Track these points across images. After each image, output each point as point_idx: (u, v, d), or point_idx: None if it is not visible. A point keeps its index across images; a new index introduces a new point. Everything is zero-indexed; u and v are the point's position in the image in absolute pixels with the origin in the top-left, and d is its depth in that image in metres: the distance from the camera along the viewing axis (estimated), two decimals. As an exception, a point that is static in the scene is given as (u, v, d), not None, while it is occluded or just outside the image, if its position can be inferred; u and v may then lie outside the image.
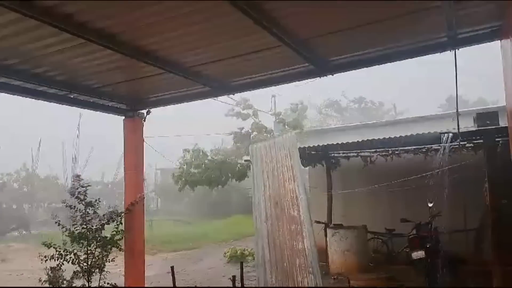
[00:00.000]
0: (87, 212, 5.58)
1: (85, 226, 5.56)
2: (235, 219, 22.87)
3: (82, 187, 5.68)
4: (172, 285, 5.03)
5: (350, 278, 6.57)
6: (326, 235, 8.45)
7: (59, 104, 5.07)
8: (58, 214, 5.98)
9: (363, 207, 9.58)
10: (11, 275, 13.35)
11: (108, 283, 5.61)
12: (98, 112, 5.75)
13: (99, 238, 5.57)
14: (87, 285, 5.62)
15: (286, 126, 13.96)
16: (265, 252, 5.86)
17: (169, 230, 22.71)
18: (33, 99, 4.77)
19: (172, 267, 5.04)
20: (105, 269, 5.70)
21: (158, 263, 11.82)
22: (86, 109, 5.55)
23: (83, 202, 5.60)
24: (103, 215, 5.73)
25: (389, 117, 25.13)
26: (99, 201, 5.73)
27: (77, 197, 5.60)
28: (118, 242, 5.72)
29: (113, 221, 5.81)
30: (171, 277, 5.04)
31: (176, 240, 19.74)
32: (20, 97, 4.54)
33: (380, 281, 7.09)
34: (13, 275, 13.53)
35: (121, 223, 5.86)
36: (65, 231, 5.65)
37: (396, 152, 8.35)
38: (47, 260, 5.49)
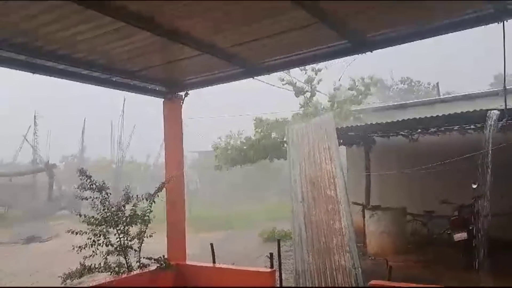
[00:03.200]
0: (104, 196, 5.93)
1: (107, 210, 5.92)
2: (271, 201, 23.07)
3: (88, 177, 6.00)
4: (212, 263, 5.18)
5: (388, 259, 6.52)
6: (363, 217, 8.39)
7: (102, 87, 5.26)
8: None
9: (401, 188, 9.41)
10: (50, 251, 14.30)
11: (145, 258, 5.97)
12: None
13: (124, 217, 5.94)
14: (124, 263, 5.98)
15: (335, 105, 13.84)
16: (301, 231, 5.92)
17: (207, 211, 23.31)
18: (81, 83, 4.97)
19: (211, 244, 5.19)
20: (144, 247, 6.06)
21: (197, 242, 12.17)
22: (128, 92, 5.71)
23: (96, 189, 5.96)
24: (123, 196, 6.16)
25: (433, 96, 24.28)
26: (106, 184, 6.08)
27: (89, 188, 5.95)
28: (146, 219, 6.02)
29: (147, 200, 6.14)
30: (211, 254, 5.19)
31: (213, 221, 20.26)
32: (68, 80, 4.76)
33: (420, 263, 6.99)
34: (62, 249, 14.69)
35: (154, 202, 6.23)
36: (90, 217, 6.10)
37: (440, 130, 8.09)
38: (80, 249, 5.91)
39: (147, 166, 42.53)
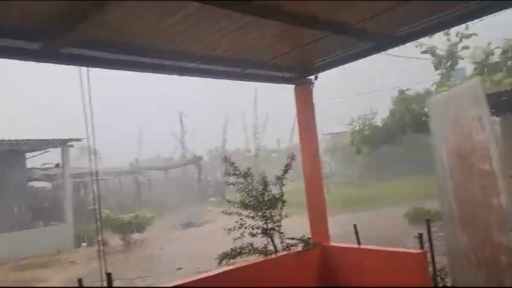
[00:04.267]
0: (248, 182, 6.38)
1: (252, 194, 6.34)
2: (411, 179, 21.77)
3: (231, 163, 6.56)
4: (357, 243, 5.14)
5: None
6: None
7: (236, 80, 5.59)
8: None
9: None
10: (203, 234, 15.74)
11: (290, 238, 6.23)
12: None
13: (266, 200, 6.29)
14: (270, 244, 6.34)
15: (485, 71, 12.49)
16: (452, 209, 5.46)
17: (343, 193, 23.09)
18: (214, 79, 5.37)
19: (355, 226, 5.14)
20: (284, 229, 6.38)
21: (338, 223, 12.17)
22: (259, 82, 5.96)
23: (241, 176, 6.45)
24: (260, 181, 6.49)
25: None
26: (250, 171, 6.57)
27: (234, 174, 6.47)
28: (281, 200, 6.29)
29: (277, 184, 6.46)
30: (354, 235, 5.15)
31: (351, 202, 20.00)
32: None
33: None
34: (214, 233, 16.11)
35: (284, 185, 6.46)
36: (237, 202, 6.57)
37: None
38: (230, 230, 6.43)
39: (280, 151, 43.94)
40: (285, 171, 6.52)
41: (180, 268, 12.21)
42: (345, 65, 5.45)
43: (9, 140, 16.98)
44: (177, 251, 14.95)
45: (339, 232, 9.87)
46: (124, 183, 28.87)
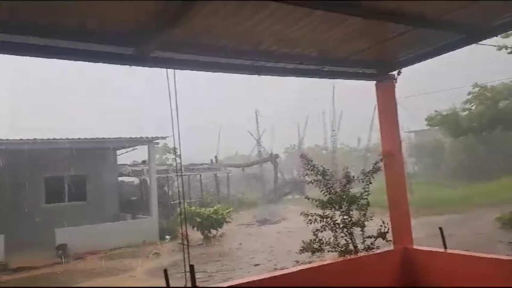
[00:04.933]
0: (326, 180, 6.46)
1: (332, 192, 6.40)
2: (505, 181, 19.99)
3: (309, 161, 6.69)
4: (443, 247, 4.87)
5: None
6: None
7: (315, 78, 5.56)
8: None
9: None
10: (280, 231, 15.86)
11: (370, 237, 6.12)
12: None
13: (346, 199, 6.24)
14: (349, 243, 6.26)
15: None
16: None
17: (428, 193, 21.87)
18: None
19: (440, 228, 4.87)
20: (367, 228, 6.27)
21: (422, 225, 11.60)
22: (338, 79, 5.89)
23: (319, 174, 6.55)
24: (342, 177, 6.46)
25: None
26: (327, 169, 6.74)
27: (312, 172, 6.58)
28: (364, 199, 6.32)
29: (362, 181, 6.52)
30: (441, 239, 4.89)
31: (437, 204, 18.90)
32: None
33: None
34: (284, 231, 16.33)
35: (370, 183, 6.33)
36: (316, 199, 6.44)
37: None
38: (311, 222, 6.49)
39: (359, 150, 42.90)
40: (374, 170, 6.42)
41: (257, 265, 12.44)
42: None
43: (102, 138, 18.46)
44: (255, 247, 15.24)
45: (421, 234, 9.41)
46: (204, 179, 30.03)
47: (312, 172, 6.72)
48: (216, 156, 33.50)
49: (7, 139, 16.29)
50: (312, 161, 6.84)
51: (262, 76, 4.93)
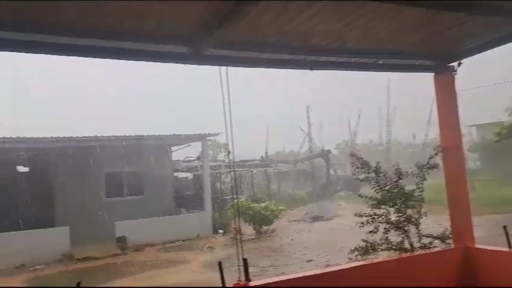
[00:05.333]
0: (379, 177, 6.36)
1: (385, 189, 6.31)
2: None
3: (359, 159, 6.62)
4: (507, 246, 4.60)
5: None
6: None
7: (369, 71, 5.44)
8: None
9: None
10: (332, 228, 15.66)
11: (427, 235, 5.91)
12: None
13: (400, 196, 6.07)
14: (404, 241, 6.07)
15: None
16: None
17: (492, 191, 20.75)
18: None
19: (504, 227, 4.60)
20: (422, 225, 6.09)
21: (485, 224, 11.03)
22: (394, 72, 5.72)
23: (371, 171, 6.46)
24: (393, 173, 6.36)
25: None
26: (379, 165, 6.57)
27: (363, 169, 6.52)
28: (419, 196, 6.16)
29: (416, 177, 6.35)
30: (505, 238, 4.62)
31: (500, 202, 17.89)
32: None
33: None
34: (337, 228, 16.15)
35: (424, 179, 6.16)
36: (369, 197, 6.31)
37: None
38: (362, 225, 6.36)
39: (415, 146, 41.38)
40: (430, 166, 6.23)
41: (310, 260, 12.39)
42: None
43: (158, 135, 19.14)
44: (307, 243, 15.19)
45: (482, 233, 8.93)
46: (255, 175, 30.28)
47: (363, 169, 6.59)
48: (266, 152, 33.69)
49: (70, 137, 17.27)
50: (362, 158, 6.71)
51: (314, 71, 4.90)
